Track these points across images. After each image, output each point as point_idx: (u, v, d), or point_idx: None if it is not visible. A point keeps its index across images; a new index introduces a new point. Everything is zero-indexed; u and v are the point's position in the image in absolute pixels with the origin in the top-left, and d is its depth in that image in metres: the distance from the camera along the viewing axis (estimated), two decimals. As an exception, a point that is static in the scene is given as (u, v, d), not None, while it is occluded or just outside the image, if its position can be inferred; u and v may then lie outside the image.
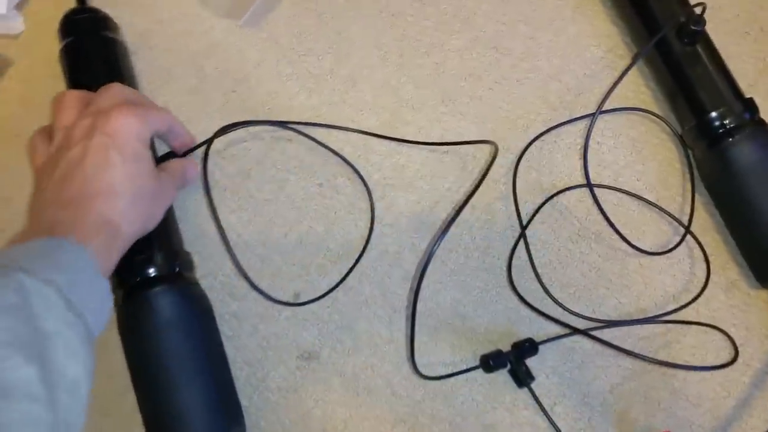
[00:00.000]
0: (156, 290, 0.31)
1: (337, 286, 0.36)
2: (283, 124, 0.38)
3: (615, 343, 0.35)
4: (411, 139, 0.39)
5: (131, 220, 0.29)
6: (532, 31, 0.42)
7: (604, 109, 0.39)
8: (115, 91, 0.33)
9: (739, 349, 0.35)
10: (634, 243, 0.37)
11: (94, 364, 0.24)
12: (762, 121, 0.36)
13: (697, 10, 0.36)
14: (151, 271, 0.32)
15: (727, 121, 0.36)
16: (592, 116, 0.39)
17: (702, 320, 0.36)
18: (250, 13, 0.40)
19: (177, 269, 0.33)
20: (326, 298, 0.36)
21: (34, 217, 0.29)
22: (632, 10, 0.39)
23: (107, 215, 0.28)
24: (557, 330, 0.36)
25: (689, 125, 0.37)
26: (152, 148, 0.34)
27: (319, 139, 0.39)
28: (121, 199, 0.29)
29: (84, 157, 0.29)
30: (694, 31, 0.35)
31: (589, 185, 0.38)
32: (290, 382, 0.35)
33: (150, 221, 0.31)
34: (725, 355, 0.35)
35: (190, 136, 0.37)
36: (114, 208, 0.29)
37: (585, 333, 0.35)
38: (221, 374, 0.32)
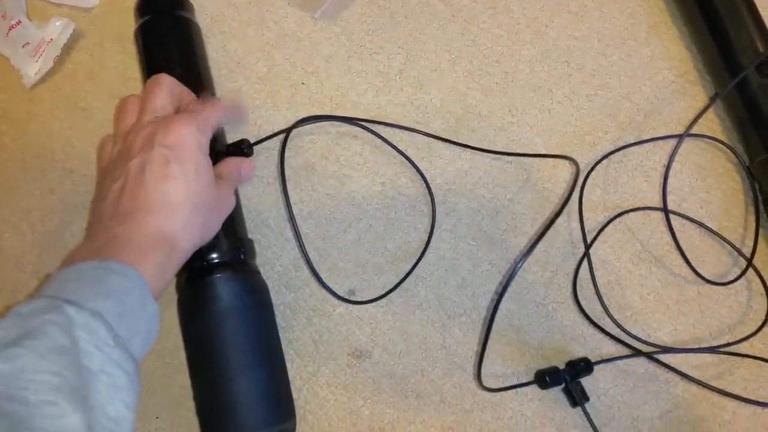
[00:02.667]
0: (220, 276, 0.31)
1: (395, 287, 0.36)
2: (353, 121, 0.38)
3: (667, 370, 0.35)
4: (476, 146, 0.39)
5: (190, 234, 0.29)
6: (604, 48, 0.41)
7: (672, 134, 0.39)
8: (167, 87, 0.32)
9: None
10: (696, 270, 0.36)
11: (138, 395, 0.24)
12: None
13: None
14: (216, 257, 0.31)
15: (799, 156, 0.35)
16: (670, 139, 0.39)
17: (758, 355, 0.35)
18: (325, 6, 0.40)
19: (242, 256, 0.32)
20: (375, 305, 0.36)
21: (92, 229, 0.29)
22: (710, 36, 0.39)
23: (165, 231, 0.27)
24: (611, 351, 0.35)
25: (759, 158, 0.37)
26: (212, 146, 0.33)
27: (385, 137, 0.38)
28: (180, 213, 0.28)
29: (143, 169, 0.28)
30: (773, 62, 0.35)
31: (660, 209, 0.38)
32: (340, 378, 0.35)
33: (209, 232, 0.31)
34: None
35: (247, 114, 0.37)
36: (172, 224, 0.28)
37: (646, 354, 0.34)
38: (278, 367, 0.32)
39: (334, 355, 0.35)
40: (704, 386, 0.34)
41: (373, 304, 0.36)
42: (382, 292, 0.36)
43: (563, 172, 0.39)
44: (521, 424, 0.34)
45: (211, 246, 0.31)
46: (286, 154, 0.38)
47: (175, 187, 0.28)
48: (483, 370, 0.34)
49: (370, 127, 0.38)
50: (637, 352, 0.34)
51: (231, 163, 0.33)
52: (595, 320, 0.36)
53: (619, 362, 0.35)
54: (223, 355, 0.30)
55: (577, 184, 0.37)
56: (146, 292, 0.26)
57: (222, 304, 0.30)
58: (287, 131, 0.35)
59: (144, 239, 0.27)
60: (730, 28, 0.38)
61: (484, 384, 0.34)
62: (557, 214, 0.33)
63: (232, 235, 0.33)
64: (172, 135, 0.29)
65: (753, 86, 0.37)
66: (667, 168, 0.38)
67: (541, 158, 0.38)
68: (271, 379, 0.31)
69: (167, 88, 0.32)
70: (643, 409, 0.35)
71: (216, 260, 0.31)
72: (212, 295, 0.30)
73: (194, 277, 0.31)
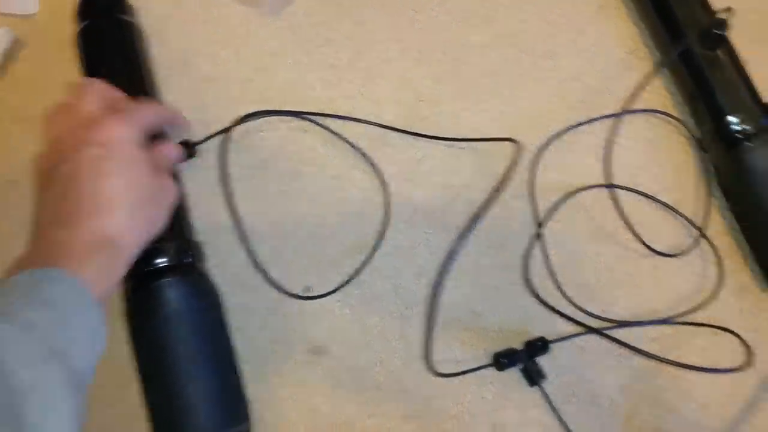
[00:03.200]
0: (166, 281, 0.31)
1: (349, 281, 0.36)
2: (302, 115, 0.38)
3: (628, 342, 0.35)
4: (429, 134, 0.39)
5: (134, 231, 0.28)
6: (553, 30, 0.41)
7: (624, 110, 0.39)
8: (96, 92, 0.31)
9: (751, 350, 0.35)
10: (648, 244, 0.37)
11: (83, 409, 0.23)
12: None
13: (723, 16, 0.36)
14: (162, 261, 0.31)
15: (745, 126, 0.36)
16: (616, 116, 0.39)
17: (713, 323, 0.36)
18: (270, 1, 0.40)
19: (189, 259, 0.32)
20: (338, 292, 0.36)
21: (33, 238, 0.28)
22: (655, 13, 0.39)
23: (106, 231, 0.27)
24: (569, 329, 0.36)
25: (707, 129, 0.38)
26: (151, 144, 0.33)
27: (335, 129, 0.38)
28: (120, 210, 0.28)
29: (77, 171, 0.28)
30: (717, 36, 0.35)
31: (610, 185, 0.38)
32: (299, 376, 0.35)
33: (155, 225, 0.30)
34: (736, 358, 0.35)
35: (186, 122, 0.36)
36: (113, 223, 0.27)
37: (599, 332, 0.35)
38: (229, 369, 0.32)
39: (292, 353, 0.35)
40: (657, 359, 0.34)
41: (329, 298, 0.36)
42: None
43: (516, 155, 0.39)
44: (481, 406, 0.34)
45: (156, 250, 0.31)
46: (237, 152, 0.38)
47: (112, 185, 0.28)
48: (442, 356, 0.35)
49: (320, 121, 0.38)
50: (590, 329, 0.35)
51: (155, 151, 0.33)
52: (550, 300, 0.36)
53: (576, 339, 0.35)
54: (174, 361, 0.29)
55: (517, 164, 0.37)
56: (86, 298, 0.25)
57: (169, 309, 0.30)
58: (229, 129, 0.35)
59: (84, 242, 0.26)
60: (674, 2, 0.38)
61: (441, 370, 0.34)
62: (492, 195, 0.33)
63: (179, 237, 0.33)
64: (102, 132, 0.29)
65: (698, 58, 0.37)
66: (609, 143, 0.38)
67: (493, 142, 0.38)
68: (221, 382, 0.31)
69: (97, 92, 0.31)
70: (602, 383, 0.35)
71: (162, 264, 0.31)
72: (159, 300, 0.30)
73: (140, 284, 0.31)
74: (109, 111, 0.30)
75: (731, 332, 0.35)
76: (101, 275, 0.26)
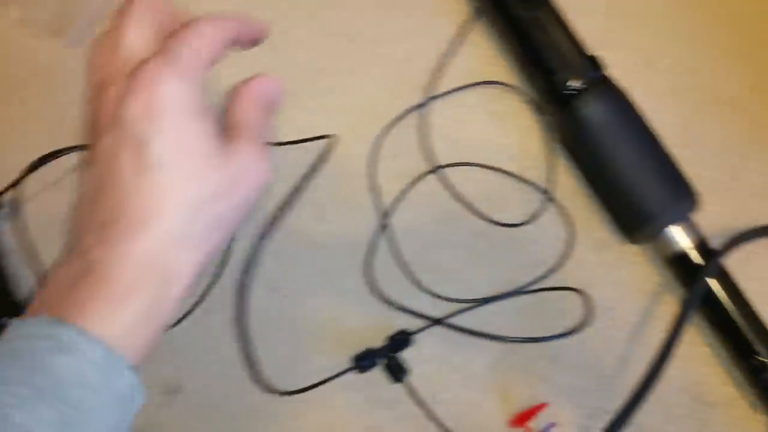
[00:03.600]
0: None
1: (188, 313, 0.34)
2: None
3: (493, 318, 0.35)
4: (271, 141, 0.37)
5: (191, 251, 0.20)
6: (382, 14, 0.40)
7: (460, 86, 0.38)
8: (138, 13, 0.21)
9: (615, 304, 0.35)
10: (499, 216, 0.36)
11: None
12: (607, 78, 0.36)
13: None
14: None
15: (574, 83, 0.35)
16: (454, 92, 0.38)
17: (576, 282, 0.36)
18: (74, 32, 0.37)
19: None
20: (178, 328, 0.34)
21: (67, 242, 0.21)
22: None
23: (152, 255, 0.20)
24: (435, 314, 0.35)
25: (540, 91, 0.37)
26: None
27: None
28: (171, 222, 0.20)
29: (115, 157, 0.20)
30: (532, -3, 0.35)
31: (437, 167, 0.37)
32: (156, 419, 0.33)
33: (224, 233, 0.22)
34: (599, 315, 0.35)
35: (267, 28, 0.25)
36: (161, 242, 0.20)
37: (440, 322, 0.34)
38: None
39: (147, 396, 0.33)
40: (502, 340, 0.33)
41: (171, 335, 0.34)
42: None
43: (358, 146, 0.38)
44: (352, 412, 0.34)
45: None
46: (53, 195, 0.36)
47: (159, 183, 0.20)
48: (307, 369, 0.33)
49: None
50: (434, 321, 0.34)
51: (245, 99, 0.23)
52: (408, 289, 0.35)
53: (437, 327, 0.35)
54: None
55: (327, 160, 0.36)
56: (111, 371, 0.19)
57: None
58: (17, 181, 0.32)
59: (122, 274, 0.19)
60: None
61: (307, 384, 0.33)
62: (294, 193, 0.32)
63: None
64: (141, 98, 0.20)
65: (519, 22, 0.36)
66: (451, 121, 0.38)
67: (328, 139, 0.36)
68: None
69: (144, 12, 0.22)
70: (472, 365, 0.35)
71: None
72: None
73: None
74: (158, 46, 0.21)
75: (575, 290, 0.35)
76: (142, 320, 0.20)
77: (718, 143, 0.38)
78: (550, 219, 0.37)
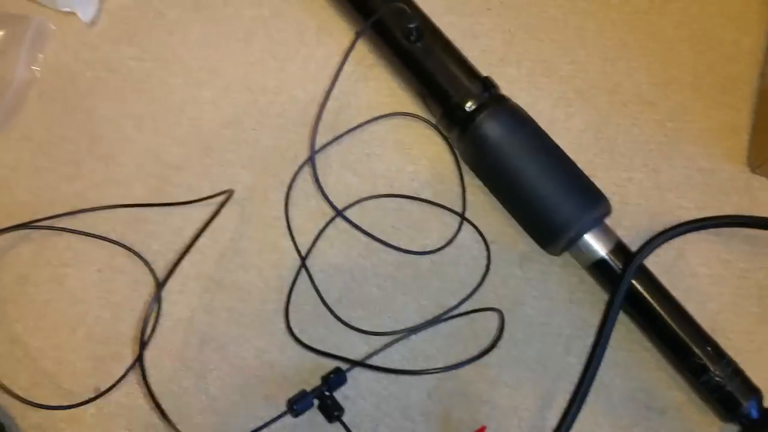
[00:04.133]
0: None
1: (129, 369, 0.34)
2: (28, 226, 0.37)
3: (425, 346, 0.35)
4: (183, 200, 0.38)
5: None
6: (281, 63, 0.42)
7: (364, 121, 0.39)
8: None
9: (547, 318, 0.35)
10: (419, 243, 0.36)
11: None
12: (501, 96, 0.37)
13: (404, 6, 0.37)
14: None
15: (468, 105, 0.36)
16: (360, 128, 0.39)
17: (504, 299, 0.36)
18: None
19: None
20: (128, 384, 0.35)
21: None
22: (363, 19, 0.39)
23: None
24: (366, 350, 0.35)
25: (440, 117, 0.38)
26: None
27: (89, 222, 0.37)
28: None
29: None
30: (410, 28, 0.36)
31: (370, 197, 0.38)
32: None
33: None
34: (533, 330, 0.35)
35: None
36: None
37: (361, 364, 0.34)
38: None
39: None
40: (410, 374, 0.33)
41: (122, 392, 0.34)
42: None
43: (276, 192, 0.39)
44: (291, 457, 0.34)
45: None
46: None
47: None
48: (244, 417, 0.33)
49: (67, 220, 0.37)
50: (353, 364, 0.34)
51: None
52: (337, 326, 0.35)
53: (373, 359, 0.35)
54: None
55: (220, 213, 0.37)
56: None
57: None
58: None
59: None
60: (376, 6, 0.38)
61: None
62: (195, 239, 0.33)
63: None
64: None
65: (408, 53, 0.38)
66: (361, 156, 0.38)
67: (240, 189, 0.38)
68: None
69: None
70: (411, 395, 0.35)
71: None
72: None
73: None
74: None
75: (494, 310, 0.35)
76: None
77: (631, 143, 0.39)
78: (469, 239, 0.37)
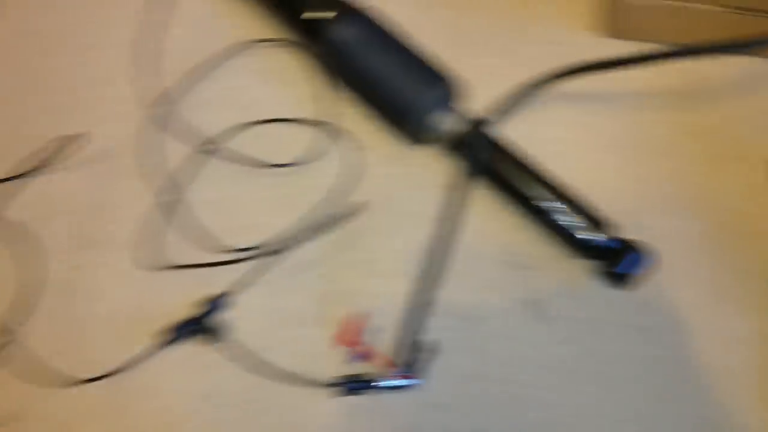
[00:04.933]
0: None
1: None
2: None
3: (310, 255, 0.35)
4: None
5: None
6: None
7: (225, 56, 0.40)
8: None
9: (418, 207, 0.34)
10: (268, 162, 0.37)
11: None
12: (354, 5, 0.38)
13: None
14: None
15: (321, 15, 0.37)
16: (225, 60, 0.40)
17: (377, 196, 0.36)
18: None
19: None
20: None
21: None
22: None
23: None
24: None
25: (299, 33, 0.39)
26: None
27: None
28: None
29: None
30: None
31: (243, 125, 0.38)
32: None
33: None
34: (404, 220, 0.35)
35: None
36: None
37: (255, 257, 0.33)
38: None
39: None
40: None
41: None
42: None
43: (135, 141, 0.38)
44: (183, 387, 0.32)
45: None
46: None
47: None
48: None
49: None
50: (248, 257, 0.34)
51: None
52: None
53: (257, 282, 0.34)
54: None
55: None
56: None
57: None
58: None
59: None
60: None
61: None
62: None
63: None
64: None
65: None
66: (231, 88, 0.39)
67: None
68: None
69: None
70: (295, 303, 0.34)
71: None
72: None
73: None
74: None
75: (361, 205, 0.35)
76: None
77: (485, 31, 0.42)
78: (344, 149, 0.38)
